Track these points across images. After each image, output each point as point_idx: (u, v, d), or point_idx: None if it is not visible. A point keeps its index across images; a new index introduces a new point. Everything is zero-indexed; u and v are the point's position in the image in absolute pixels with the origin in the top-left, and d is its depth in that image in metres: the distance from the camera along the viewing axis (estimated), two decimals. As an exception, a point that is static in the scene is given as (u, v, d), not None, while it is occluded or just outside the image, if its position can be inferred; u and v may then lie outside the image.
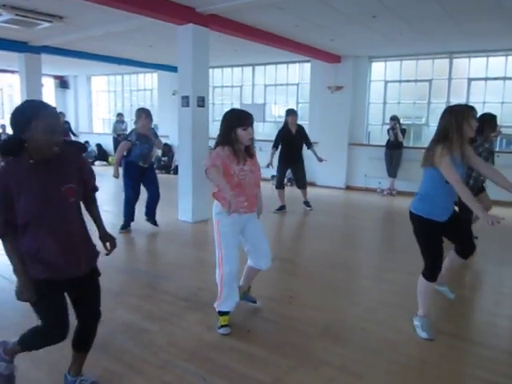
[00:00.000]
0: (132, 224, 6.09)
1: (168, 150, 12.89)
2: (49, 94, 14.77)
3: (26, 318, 2.22)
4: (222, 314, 3.25)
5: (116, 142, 13.59)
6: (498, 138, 8.79)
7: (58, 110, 2.61)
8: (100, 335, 2.97)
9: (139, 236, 5.96)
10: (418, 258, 3.26)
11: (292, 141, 7.33)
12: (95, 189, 2.39)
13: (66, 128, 13.15)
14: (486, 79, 9.03)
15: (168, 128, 12.66)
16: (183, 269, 4.65)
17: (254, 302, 3.61)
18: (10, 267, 2.11)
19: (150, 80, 14.31)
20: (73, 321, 2.29)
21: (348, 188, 10.47)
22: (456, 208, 3.31)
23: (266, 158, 7.15)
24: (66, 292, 2.25)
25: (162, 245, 5.77)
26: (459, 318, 3.64)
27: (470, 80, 9.17)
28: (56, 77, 15.66)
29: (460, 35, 7.50)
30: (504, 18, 6.26)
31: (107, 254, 2.37)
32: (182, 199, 6.75)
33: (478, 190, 4.99)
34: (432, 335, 3.15)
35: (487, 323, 3.51)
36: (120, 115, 13.79)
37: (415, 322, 3.28)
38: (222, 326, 3.20)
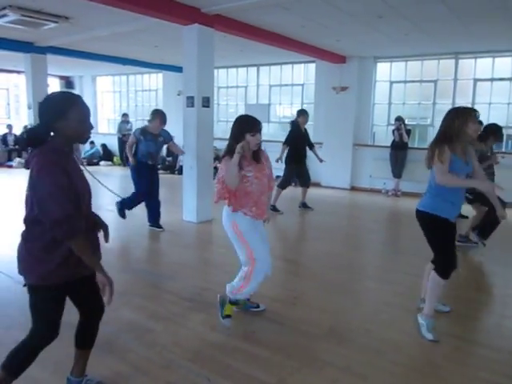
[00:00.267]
0: (135, 224, 6.09)
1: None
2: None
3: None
4: (233, 303, 3.32)
5: (121, 143, 13.64)
6: (504, 139, 8.74)
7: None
8: (104, 335, 2.98)
9: (143, 236, 5.97)
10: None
11: (303, 141, 7.42)
12: None
13: None
14: (491, 80, 8.99)
15: (173, 128, 12.55)
16: (187, 269, 4.66)
17: (257, 306, 3.60)
18: (15, 265, 2.10)
19: (155, 80, 14.34)
20: (70, 320, 2.29)
21: (353, 189, 10.44)
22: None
23: (274, 156, 7.13)
24: (71, 293, 2.24)
25: (166, 245, 5.77)
26: (465, 320, 3.62)
27: (475, 81, 9.13)
28: (61, 77, 15.73)
29: (466, 36, 7.47)
30: (510, 19, 6.22)
31: (106, 242, 2.34)
32: (187, 199, 6.75)
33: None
34: (437, 337, 3.14)
35: (493, 325, 3.49)
36: (125, 115, 13.84)
37: (420, 321, 3.26)
38: (227, 316, 3.24)
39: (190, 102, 6.45)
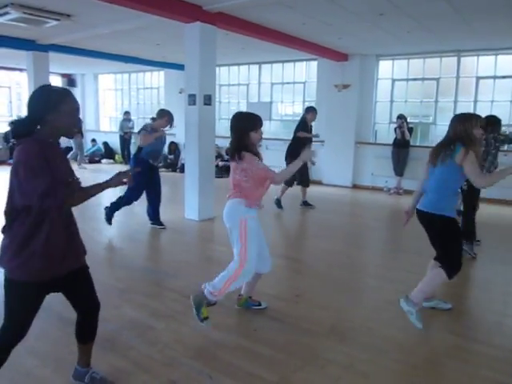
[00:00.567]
0: (137, 223, 6.10)
1: (174, 148, 12.92)
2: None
3: (36, 315, 2.22)
4: (212, 304, 3.17)
5: (123, 140, 13.65)
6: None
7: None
8: (106, 332, 2.99)
9: (145, 234, 5.98)
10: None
11: (307, 137, 7.43)
12: None
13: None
14: (494, 77, 8.96)
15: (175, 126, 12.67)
16: (189, 267, 4.66)
17: (259, 304, 3.59)
18: None
19: (156, 78, 14.33)
20: (70, 316, 2.30)
21: (354, 187, 10.43)
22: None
23: (276, 154, 7.13)
24: (61, 291, 2.25)
25: (168, 243, 5.78)
26: (466, 318, 3.62)
27: (478, 78, 9.10)
28: (63, 75, 15.72)
29: (468, 33, 7.44)
30: (513, 16, 6.20)
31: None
32: (189, 197, 6.75)
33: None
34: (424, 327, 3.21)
35: (495, 323, 3.49)
36: (127, 113, 13.82)
37: (408, 307, 3.22)
38: (207, 319, 3.08)
39: (192, 99, 6.44)
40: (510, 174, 3.02)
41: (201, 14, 6.14)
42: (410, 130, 9.32)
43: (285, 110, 12.07)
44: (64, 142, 8.07)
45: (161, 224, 6.11)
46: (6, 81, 14.74)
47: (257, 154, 3.19)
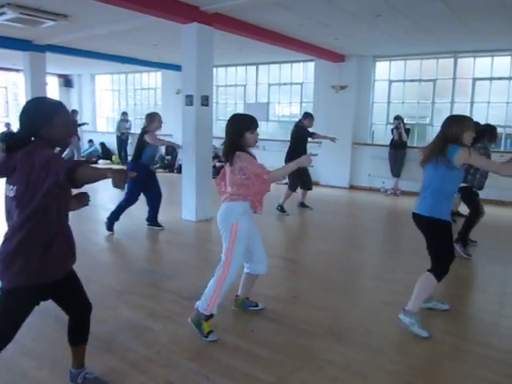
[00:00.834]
0: (134, 224, 6.08)
1: (171, 148, 12.91)
2: (53, 93, 14.77)
3: (33, 316, 2.21)
4: (209, 317, 3.11)
5: (120, 141, 13.62)
6: (503, 138, 8.78)
7: (72, 108, 2.64)
8: (103, 334, 2.99)
9: (142, 235, 5.96)
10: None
11: (305, 141, 7.46)
12: None
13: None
14: (490, 79, 8.99)
15: (172, 127, 12.65)
16: (187, 268, 4.65)
17: (256, 305, 3.59)
18: None
19: (153, 79, 14.32)
20: (64, 318, 2.29)
21: (352, 187, 10.45)
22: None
23: (274, 155, 7.11)
24: (51, 297, 2.24)
25: (165, 244, 5.77)
26: (463, 318, 3.63)
27: (474, 80, 9.13)
28: (60, 75, 15.69)
29: (465, 35, 7.47)
30: (509, 18, 6.21)
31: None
32: (186, 198, 6.75)
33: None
34: (431, 333, 3.17)
35: (491, 323, 3.49)
36: (124, 114, 13.79)
37: (409, 320, 3.21)
38: (211, 332, 3.08)
39: (189, 100, 6.44)
40: None
41: (198, 15, 6.13)
42: (407, 131, 9.33)
43: (282, 110, 12.07)
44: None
45: (159, 225, 6.10)
46: (2, 81, 14.72)
47: (251, 155, 3.18)
